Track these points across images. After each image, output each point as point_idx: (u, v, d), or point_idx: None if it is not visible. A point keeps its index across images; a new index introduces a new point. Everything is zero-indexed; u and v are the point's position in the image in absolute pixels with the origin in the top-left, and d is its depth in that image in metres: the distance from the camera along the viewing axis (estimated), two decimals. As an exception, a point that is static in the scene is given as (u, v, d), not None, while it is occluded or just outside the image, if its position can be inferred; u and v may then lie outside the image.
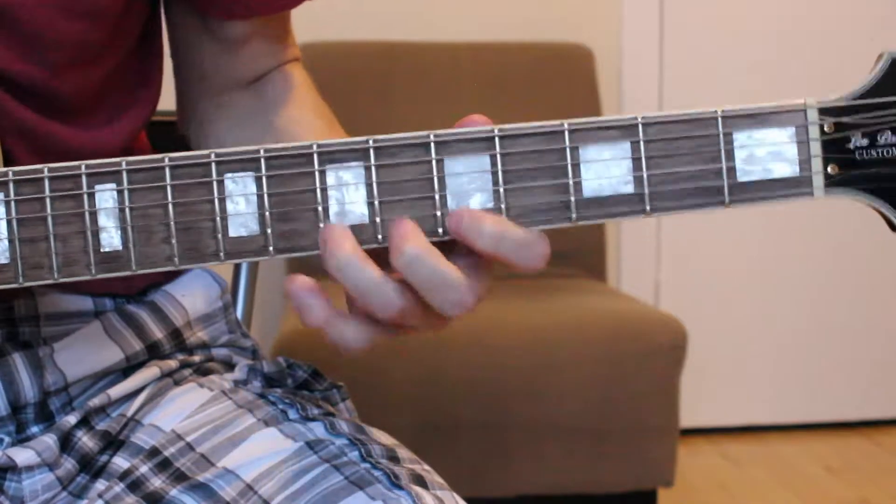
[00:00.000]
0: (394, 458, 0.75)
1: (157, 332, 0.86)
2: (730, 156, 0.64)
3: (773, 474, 2.80)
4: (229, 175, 0.64)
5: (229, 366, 0.90)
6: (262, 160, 0.64)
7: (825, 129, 0.65)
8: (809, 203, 0.65)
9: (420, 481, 0.73)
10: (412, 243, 0.62)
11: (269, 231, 0.64)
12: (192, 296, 0.89)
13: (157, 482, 0.76)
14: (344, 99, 2.73)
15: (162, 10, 0.89)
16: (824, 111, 0.65)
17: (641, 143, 0.64)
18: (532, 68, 2.82)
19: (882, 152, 0.64)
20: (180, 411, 0.81)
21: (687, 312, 2.56)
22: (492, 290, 0.65)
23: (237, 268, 1.20)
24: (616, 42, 2.99)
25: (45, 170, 0.64)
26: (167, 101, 0.94)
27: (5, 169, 0.64)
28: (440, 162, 0.64)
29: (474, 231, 0.63)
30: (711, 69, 3.00)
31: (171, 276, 0.88)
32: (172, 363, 0.86)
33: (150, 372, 0.84)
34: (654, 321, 2.31)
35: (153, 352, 0.86)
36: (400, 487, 0.71)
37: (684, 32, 3.01)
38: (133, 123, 0.85)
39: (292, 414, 0.79)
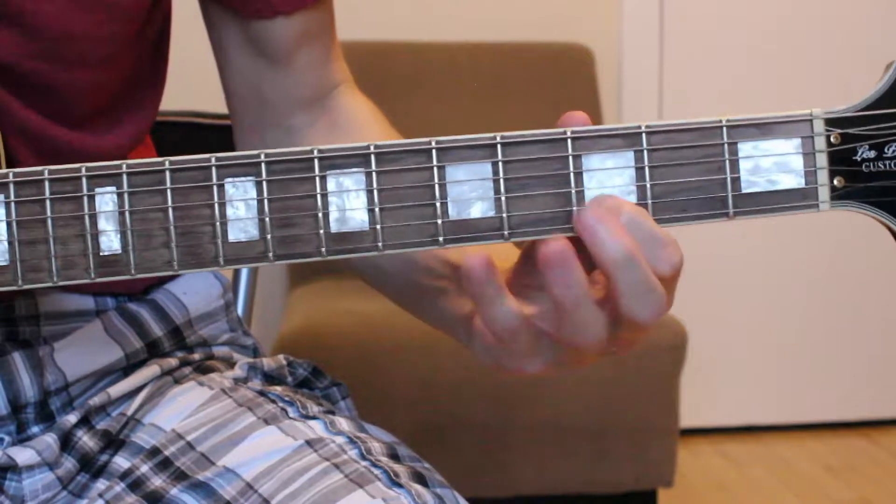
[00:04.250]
0: (394, 456, 0.75)
1: (158, 331, 0.86)
2: (734, 166, 0.63)
3: (773, 474, 2.80)
4: (230, 179, 0.64)
5: (230, 364, 0.89)
6: (263, 165, 0.64)
7: (832, 140, 0.63)
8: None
9: (420, 479, 0.73)
10: (620, 237, 0.61)
11: (268, 236, 0.64)
12: (193, 294, 0.89)
13: (157, 481, 0.76)
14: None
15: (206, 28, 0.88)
16: (831, 122, 0.63)
17: (645, 152, 0.63)
18: (532, 68, 2.81)
19: (889, 164, 0.63)
20: (180, 410, 0.81)
21: (687, 312, 2.55)
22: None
23: (238, 266, 1.20)
24: (616, 42, 2.98)
25: (46, 172, 0.63)
26: (167, 101, 0.93)
27: (5, 171, 0.63)
28: (441, 169, 0.63)
29: (612, 213, 0.61)
30: (711, 69, 3.00)
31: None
32: (172, 361, 0.86)
33: (150, 370, 0.84)
34: (655, 321, 2.31)
35: (153, 350, 0.86)
36: (400, 485, 0.71)
37: (684, 32, 3.01)
38: (137, 127, 0.85)
39: (292, 412, 0.79)
